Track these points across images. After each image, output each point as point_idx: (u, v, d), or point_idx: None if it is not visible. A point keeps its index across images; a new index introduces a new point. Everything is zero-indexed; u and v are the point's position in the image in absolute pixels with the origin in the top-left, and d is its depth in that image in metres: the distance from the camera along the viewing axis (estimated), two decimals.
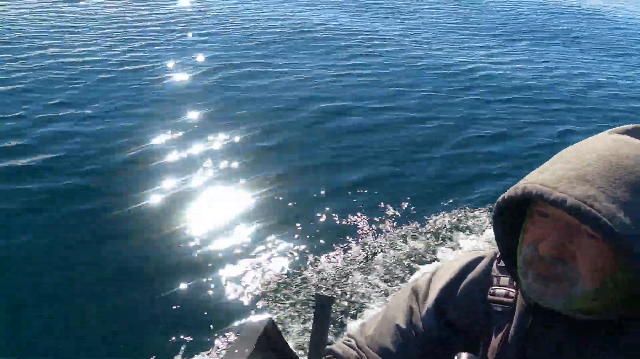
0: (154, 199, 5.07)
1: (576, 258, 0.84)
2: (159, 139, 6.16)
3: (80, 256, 4.28)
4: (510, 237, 0.96)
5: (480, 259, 1.08)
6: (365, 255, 4.48)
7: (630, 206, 0.81)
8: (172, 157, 5.85)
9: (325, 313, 1.51)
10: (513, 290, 0.99)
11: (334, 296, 3.46)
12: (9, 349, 3.43)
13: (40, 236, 4.45)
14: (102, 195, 5.06)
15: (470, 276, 1.06)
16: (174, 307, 3.88)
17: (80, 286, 3.99)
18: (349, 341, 1.22)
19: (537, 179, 0.86)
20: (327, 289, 4.03)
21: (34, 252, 4.29)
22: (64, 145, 5.87)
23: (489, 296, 1.01)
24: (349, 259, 4.44)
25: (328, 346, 1.25)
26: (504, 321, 0.97)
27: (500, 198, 0.91)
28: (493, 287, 1.01)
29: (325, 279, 4.17)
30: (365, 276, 4.21)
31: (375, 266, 4.34)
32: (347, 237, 4.72)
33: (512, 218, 0.95)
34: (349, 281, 4.16)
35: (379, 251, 4.54)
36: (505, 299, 0.98)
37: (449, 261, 1.16)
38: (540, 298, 0.88)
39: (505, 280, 1.01)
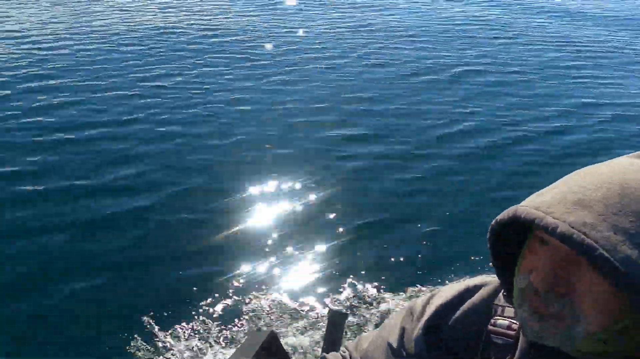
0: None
1: (576, 293, 0.73)
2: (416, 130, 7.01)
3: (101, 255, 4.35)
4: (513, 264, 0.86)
5: (484, 285, 0.99)
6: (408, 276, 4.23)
7: (639, 238, 0.69)
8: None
9: (337, 328, 1.50)
10: (517, 323, 0.88)
11: (347, 312, 3.22)
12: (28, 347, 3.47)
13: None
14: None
15: (470, 301, 0.98)
16: (180, 310, 3.81)
17: (95, 285, 4.03)
18: (344, 352, 1.21)
19: (532, 202, 0.77)
20: (341, 304, 3.90)
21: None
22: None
23: (490, 327, 0.92)
24: (384, 279, 4.19)
25: (323, 354, 1.23)
26: (504, 355, 0.89)
27: (493, 221, 0.82)
28: (495, 317, 0.92)
29: (341, 295, 4.01)
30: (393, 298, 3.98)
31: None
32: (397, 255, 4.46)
33: (517, 243, 0.85)
34: (370, 299, 3.99)
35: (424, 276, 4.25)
36: (507, 332, 0.90)
37: (452, 284, 1.07)
38: (535, 335, 0.78)
39: (510, 311, 0.90)
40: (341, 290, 4.06)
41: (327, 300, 3.94)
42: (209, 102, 7.41)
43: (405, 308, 1.09)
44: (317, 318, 3.76)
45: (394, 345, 1.05)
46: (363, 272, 4.24)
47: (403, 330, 1.05)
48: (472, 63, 9.68)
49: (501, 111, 7.51)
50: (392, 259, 4.40)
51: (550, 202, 0.75)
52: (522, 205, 0.78)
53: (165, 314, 3.74)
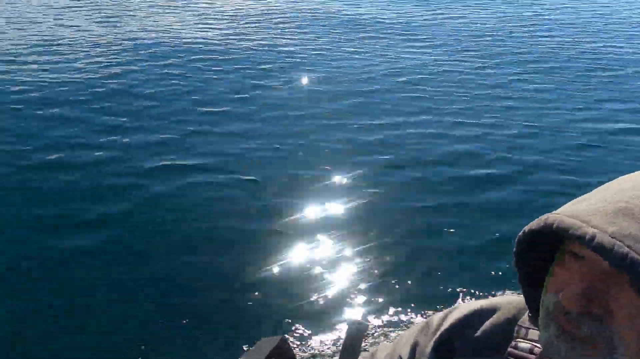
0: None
1: (614, 316, 0.65)
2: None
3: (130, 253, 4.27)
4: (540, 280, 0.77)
5: (508, 304, 0.91)
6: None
7: None
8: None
9: (356, 339, 1.41)
10: (540, 347, 0.78)
11: (367, 323, 3.10)
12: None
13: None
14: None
15: (491, 321, 0.90)
16: (194, 313, 3.70)
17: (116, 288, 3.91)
18: None
19: (568, 210, 0.69)
20: (363, 315, 3.73)
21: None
22: None
23: (510, 349, 0.83)
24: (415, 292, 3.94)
25: None
26: None
27: (521, 232, 0.74)
28: (517, 339, 0.83)
29: (364, 306, 3.81)
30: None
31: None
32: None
33: (547, 257, 0.76)
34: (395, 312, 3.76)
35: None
36: (528, 356, 0.81)
37: (475, 300, 0.98)
38: (561, 358, 0.68)
39: (535, 333, 0.81)
40: (365, 301, 3.86)
41: (349, 310, 3.77)
42: (475, 99, 7.63)
43: (422, 322, 1.03)
44: (337, 327, 3.61)
45: (405, 358, 1.00)
46: (392, 284, 4.01)
47: (416, 344, 0.99)
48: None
49: None
50: (427, 272, 4.14)
51: (587, 210, 0.66)
52: (555, 212, 0.69)
53: (179, 316, 3.64)
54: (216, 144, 5.97)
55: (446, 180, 5.39)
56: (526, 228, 0.72)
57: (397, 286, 3.98)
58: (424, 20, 12.99)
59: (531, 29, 12.42)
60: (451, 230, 4.56)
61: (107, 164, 5.47)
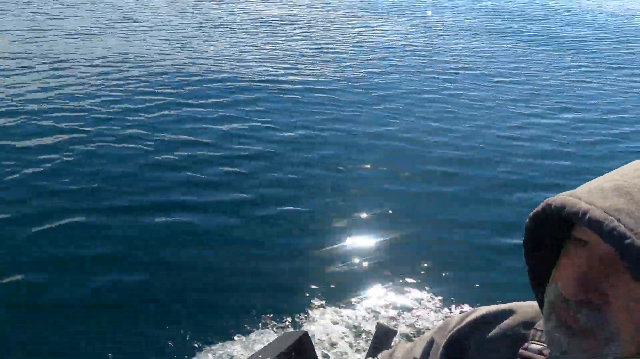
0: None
1: (611, 305, 0.60)
2: None
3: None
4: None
5: (526, 307, 0.87)
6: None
7: None
8: None
9: (383, 343, 1.41)
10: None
11: (396, 328, 3.12)
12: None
13: None
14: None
15: (506, 322, 0.86)
16: (219, 306, 3.68)
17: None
18: None
19: (569, 191, 0.66)
20: (391, 318, 3.63)
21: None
22: None
23: (521, 350, 0.80)
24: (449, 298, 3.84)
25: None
26: None
27: (528, 218, 0.70)
28: (531, 341, 0.80)
29: (397, 311, 3.73)
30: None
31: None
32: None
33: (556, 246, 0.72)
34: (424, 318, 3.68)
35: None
36: (536, 356, 0.77)
37: (498, 304, 0.93)
38: (560, 350, 0.65)
39: None
40: (393, 304, 3.80)
41: (375, 313, 3.70)
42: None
43: (442, 321, 1.03)
44: (360, 329, 3.55)
45: (418, 357, 1.00)
46: (427, 288, 3.94)
47: (431, 342, 0.98)
48: None
49: None
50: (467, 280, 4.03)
51: (586, 189, 0.65)
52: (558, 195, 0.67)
53: (202, 308, 3.65)
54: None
55: None
56: (531, 213, 0.71)
57: (429, 290, 3.95)
58: (584, 42, 12.74)
59: None
60: None
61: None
